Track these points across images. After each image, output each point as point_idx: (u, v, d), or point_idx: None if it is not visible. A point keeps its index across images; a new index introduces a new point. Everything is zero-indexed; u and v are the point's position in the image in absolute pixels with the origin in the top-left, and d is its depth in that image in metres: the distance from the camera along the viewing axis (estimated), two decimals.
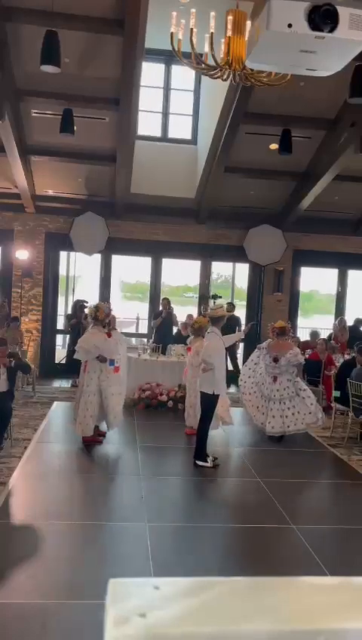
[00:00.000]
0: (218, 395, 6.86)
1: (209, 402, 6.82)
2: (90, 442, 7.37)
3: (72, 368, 11.40)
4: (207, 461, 6.75)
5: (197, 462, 6.76)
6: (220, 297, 12.12)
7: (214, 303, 11.37)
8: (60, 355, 12.64)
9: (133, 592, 0.75)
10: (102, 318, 7.46)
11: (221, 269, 14.16)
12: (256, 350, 8.65)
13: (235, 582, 0.79)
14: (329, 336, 11.79)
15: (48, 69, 7.60)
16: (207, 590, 0.75)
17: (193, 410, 7.86)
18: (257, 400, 8.26)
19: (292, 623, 0.71)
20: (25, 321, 11.91)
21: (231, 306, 12.27)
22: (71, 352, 11.55)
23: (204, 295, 12.89)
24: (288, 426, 7.87)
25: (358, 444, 7.78)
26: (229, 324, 11.59)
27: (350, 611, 0.74)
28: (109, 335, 7.47)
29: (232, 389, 11.75)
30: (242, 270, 13.37)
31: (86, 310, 11.09)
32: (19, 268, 12.04)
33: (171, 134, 11.77)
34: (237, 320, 12.39)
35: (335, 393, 8.20)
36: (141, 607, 0.71)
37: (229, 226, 12.29)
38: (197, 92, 11.58)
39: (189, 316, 11.14)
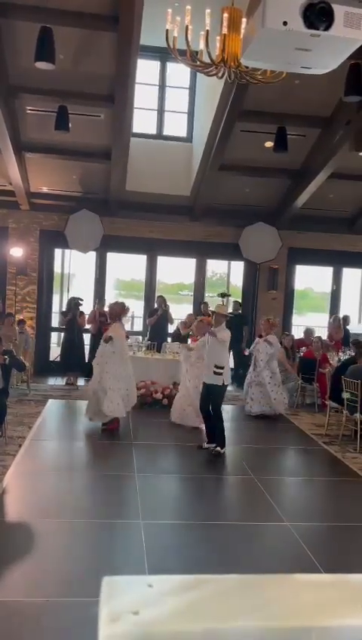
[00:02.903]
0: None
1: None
2: (113, 428, 7.85)
3: (66, 366, 11.41)
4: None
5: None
6: (229, 295, 12.15)
7: (223, 301, 11.42)
8: (55, 352, 12.61)
9: (126, 589, 0.75)
10: (125, 315, 8.19)
11: (216, 266, 14.14)
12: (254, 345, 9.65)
13: (228, 579, 0.79)
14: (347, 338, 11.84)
15: (42, 65, 7.56)
16: (200, 587, 0.75)
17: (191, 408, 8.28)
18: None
19: (284, 620, 0.71)
20: (19, 318, 11.87)
21: (238, 305, 12.25)
22: (65, 349, 11.53)
23: (200, 292, 12.90)
24: (263, 406, 9.22)
25: (352, 442, 7.81)
26: (236, 322, 11.63)
27: (342, 608, 0.74)
28: (127, 337, 8.26)
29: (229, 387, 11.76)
30: (237, 268, 13.37)
31: (101, 308, 11.11)
32: (13, 265, 12.01)
33: (166, 132, 11.75)
34: (245, 318, 12.35)
35: None
36: (134, 604, 0.71)
37: (224, 223, 12.28)
38: (192, 90, 11.56)
39: (189, 315, 11.12)
